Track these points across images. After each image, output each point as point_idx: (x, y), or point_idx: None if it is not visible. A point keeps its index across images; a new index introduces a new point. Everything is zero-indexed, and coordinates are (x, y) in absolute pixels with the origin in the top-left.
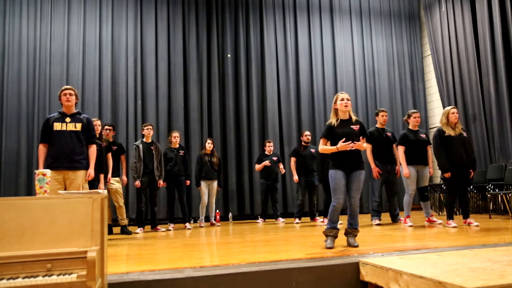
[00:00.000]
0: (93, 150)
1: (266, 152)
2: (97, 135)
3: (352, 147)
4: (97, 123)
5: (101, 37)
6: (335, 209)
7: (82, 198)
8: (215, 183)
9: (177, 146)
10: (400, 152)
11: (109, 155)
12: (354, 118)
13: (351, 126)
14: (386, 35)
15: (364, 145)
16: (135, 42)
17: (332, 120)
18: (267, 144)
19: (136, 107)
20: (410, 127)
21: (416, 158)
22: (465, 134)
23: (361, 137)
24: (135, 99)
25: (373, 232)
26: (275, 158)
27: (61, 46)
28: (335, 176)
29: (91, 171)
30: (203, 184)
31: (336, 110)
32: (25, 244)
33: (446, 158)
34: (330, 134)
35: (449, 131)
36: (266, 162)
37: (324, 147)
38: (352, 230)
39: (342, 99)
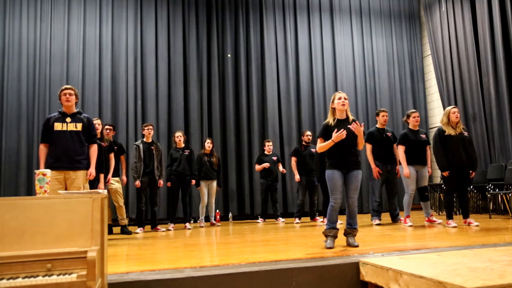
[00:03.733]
0: (94, 149)
1: (266, 152)
2: (99, 135)
3: (353, 129)
4: (97, 122)
5: (101, 37)
6: (333, 209)
7: (82, 198)
8: (215, 183)
9: (182, 145)
10: (400, 151)
11: (112, 155)
12: (351, 117)
13: (348, 126)
14: (386, 35)
15: (363, 141)
16: (135, 42)
17: (329, 120)
18: (266, 143)
19: (136, 107)
20: (410, 127)
21: (416, 158)
22: (466, 133)
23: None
24: (135, 99)
25: (373, 232)
26: (274, 158)
27: (61, 46)
28: (332, 176)
29: (92, 170)
30: (202, 184)
31: (333, 110)
32: (25, 244)
33: (445, 157)
34: (327, 133)
35: (449, 131)
36: (266, 164)
37: (321, 144)
38: (351, 230)
39: (340, 98)
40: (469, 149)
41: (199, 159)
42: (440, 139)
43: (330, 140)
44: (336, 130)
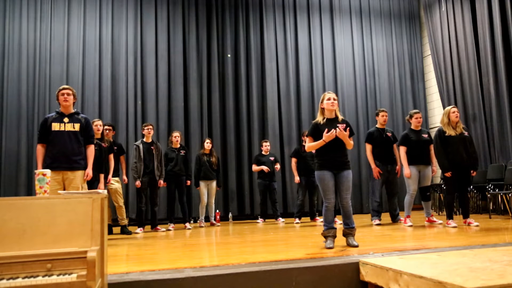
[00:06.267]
0: (91, 150)
1: (263, 152)
2: (99, 136)
3: (336, 133)
4: (98, 123)
5: (101, 37)
6: (328, 209)
7: (82, 198)
8: (214, 183)
9: (178, 146)
10: (401, 152)
11: (111, 156)
12: (340, 117)
13: (338, 125)
14: (386, 35)
15: (351, 142)
16: (135, 42)
17: (319, 119)
18: (264, 144)
19: (136, 107)
20: (412, 127)
21: (418, 158)
22: (466, 133)
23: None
24: (135, 99)
25: (373, 232)
26: (272, 158)
27: (61, 46)
28: (323, 177)
29: (89, 171)
30: (202, 184)
31: (322, 109)
32: (25, 244)
33: (446, 158)
34: (316, 132)
35: (449, 131)
36: (265, 168)
37: (311, 144)
38: (349, 230)
39: (329, 99)
40: (469, 148)
41: (198, 159)
42: (441, 140)
43: (321, 140)
44: (326, 130)
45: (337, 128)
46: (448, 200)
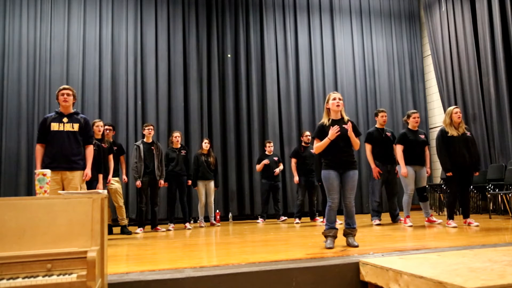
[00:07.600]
0: (90, 150)
1: (267, 153)
2: (99, 136)
3: (338, 131)
4: (99, 124)
5: (101, 37)
6: (331, 209)
7: (82, 198)
8: (212, 183)
9: (179, 146)
10: (398, 151)
11: (111, 156)
12: (346, 118)
13: (343, 126)
14: (386, 35)
15: (357, 141)
16: (135, 42)
17: (324, 120)
18: (267, 144)
19: (136, 107)
20: (409, 127)
21: (414, 158)
22: (468, 134)
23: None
24: (135, 99)
25: (373, 232)
26: (275, 158)
27: (61, 46)
28: (329, 177)
29: (88, 171)
30: (200, 184)
31: (328, 110)
32: (25, 244)
33: (448, 158)
34: (322, 133)
35: (452, 131)
36: (266, 161)
37: (318, 144)
38: (350, 230)
39: (334, 99)
40: (472, 149)
41: (197, 159)
42: (443, 140)
43: (326, 138)
44: (331, 128)
45: (341, 128)
46: (449, 201)
